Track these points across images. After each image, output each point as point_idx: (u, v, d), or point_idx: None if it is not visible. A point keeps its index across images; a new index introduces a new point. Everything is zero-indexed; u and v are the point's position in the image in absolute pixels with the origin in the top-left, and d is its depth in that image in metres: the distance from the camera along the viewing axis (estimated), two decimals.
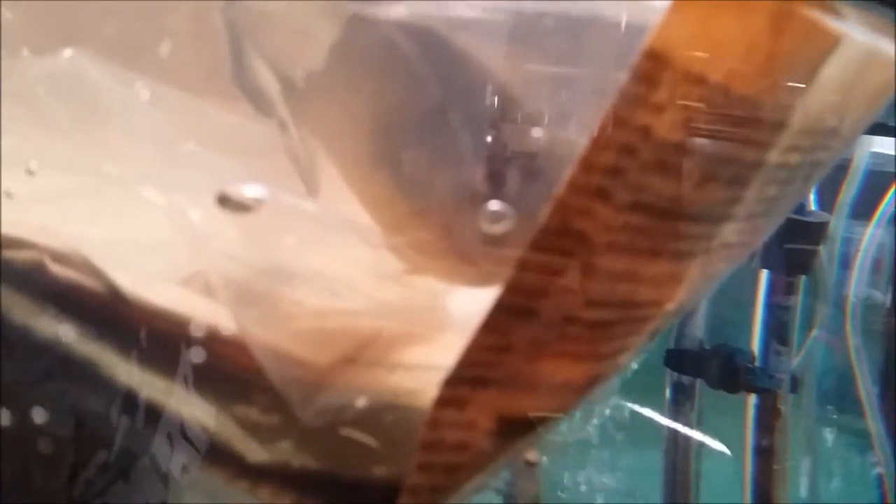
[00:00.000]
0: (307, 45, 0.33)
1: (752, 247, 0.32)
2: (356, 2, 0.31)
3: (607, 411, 0.80)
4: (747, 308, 0.72)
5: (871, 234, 0.87)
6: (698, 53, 0.23)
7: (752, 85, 0.24)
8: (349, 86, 0.32)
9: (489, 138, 0.29)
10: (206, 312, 0.29)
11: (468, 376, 0.25)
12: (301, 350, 0.29)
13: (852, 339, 0.85)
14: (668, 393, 0.74)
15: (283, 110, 0.33)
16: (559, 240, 0.24)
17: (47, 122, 0.33)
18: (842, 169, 0.81)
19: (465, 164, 0.29)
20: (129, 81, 0.33)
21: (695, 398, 0.74)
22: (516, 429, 0.27)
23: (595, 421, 0.81)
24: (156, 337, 0.29)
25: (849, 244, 0.87)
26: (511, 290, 0.24)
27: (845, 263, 0.87)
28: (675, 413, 0.74)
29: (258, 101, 0.33)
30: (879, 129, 0.62)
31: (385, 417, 0.28)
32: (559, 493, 0.85)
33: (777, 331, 0.71)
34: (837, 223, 0.83)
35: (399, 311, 0.32)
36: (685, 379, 0.74)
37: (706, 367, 0.71)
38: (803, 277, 0.71)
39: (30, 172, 0.31)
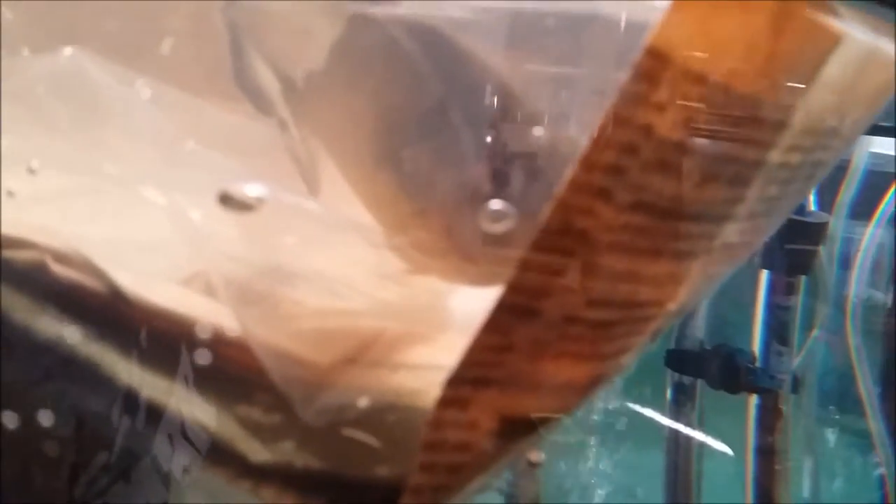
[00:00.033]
0: (308, 44, 0.33)
1: (753, 246, 0.32)
2: (357, 1, 0.31)
3: (608, 411, 0.80)
4: (748, 308, 0.72)
5: (871, 235, 0.87)
6: (699, 52, 0.23)
7: (753, 84, 0.24)
8: (350, 85, 0.32)
9: (490, 138, 0.29)
10: (207, 312, 0.29)
11: (470, 376, 0.25)
12: (302, 350, 0.29)
13: (853, 339, 0.85)
14: (669, 393, 0.74)
15: (283, 110, 0.33)
16: (560, 239, 0.24)
17: (48, 122, 0.33)
18: (841, 169, 0.81)
19: (467, 164, 0.29)
20: (130, 81, 0.33)
21: (696, 398, 0.74)
22: (518, 429, 0.27)
23: (596, 421, 0.81)
24: (157, 337, 0.29)
25: (849, 244, 0.87)
26: (513, 289, 0.24)
27: (845, 263, 0.87)
28: (677, 413, 0.74)
29: (259, 101, 0.33)
30: (879, 129, 0.62)
31: (387, 417, 0.28)
32: (560, 493, 0.85)
33: (777, 331, 0.71)
34: (837, 223, 0.83)
35: (400, 310, 0.32)
36: (686, 379, 0.73)
37: (707, 368, 0.71)
38: (803, 277, 0.71)
39: (30, 172, 0.31)
